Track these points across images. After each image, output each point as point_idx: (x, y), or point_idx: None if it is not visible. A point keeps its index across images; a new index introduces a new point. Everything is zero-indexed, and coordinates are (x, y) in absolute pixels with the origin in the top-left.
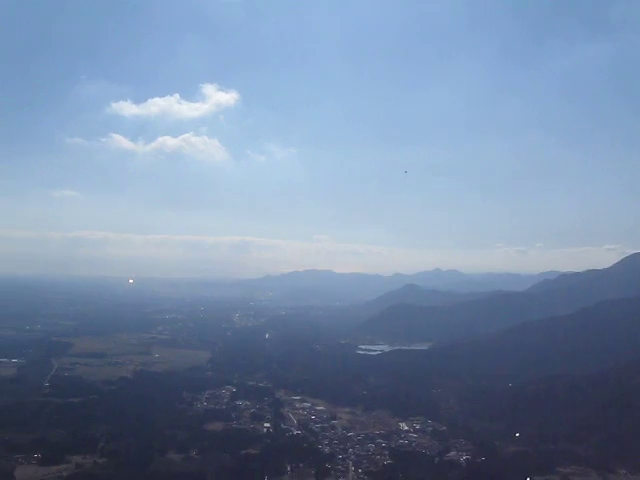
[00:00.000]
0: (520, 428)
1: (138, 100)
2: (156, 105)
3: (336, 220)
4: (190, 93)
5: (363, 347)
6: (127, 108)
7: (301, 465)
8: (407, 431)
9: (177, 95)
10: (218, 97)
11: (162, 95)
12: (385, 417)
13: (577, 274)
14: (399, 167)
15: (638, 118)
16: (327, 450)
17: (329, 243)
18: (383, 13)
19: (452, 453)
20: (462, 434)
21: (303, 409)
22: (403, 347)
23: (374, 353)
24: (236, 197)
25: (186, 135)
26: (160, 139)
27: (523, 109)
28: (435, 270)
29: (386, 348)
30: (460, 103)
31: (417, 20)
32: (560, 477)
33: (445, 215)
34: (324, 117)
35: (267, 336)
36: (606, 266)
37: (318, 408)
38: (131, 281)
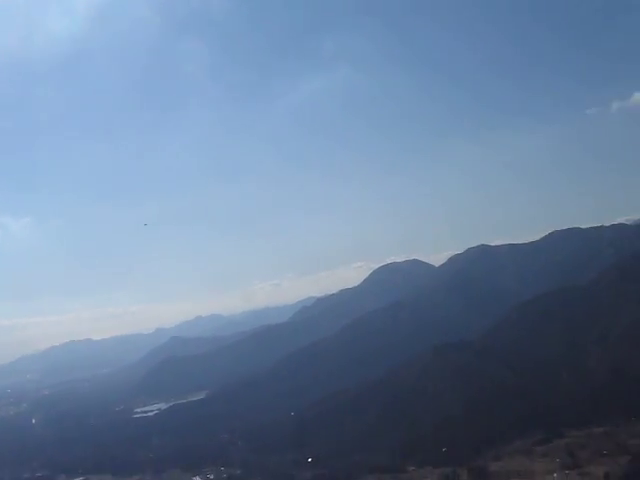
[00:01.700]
0: (312, 452)
1: None
2: None
3: (86, 285)
4: None
5: (139, 410)
6: None
7: None
8: None
9: None
10: None
11: None
12: (177, 475)
13: (332, 295)
14: (138, 221)
15: (358, 141)
16: None
17: (82, 311)
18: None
19: None
20: (257, 473)
21: None
22: (180, 401)
23: (152, 414)
24: None
25: None
26: None
27: (256, 148)
28: (196, 318)
29: (163, 406)
30: (193, 151)
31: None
32: None
33: (195, 262)
34: (55, 183)
35: (34, 421)
36: (357, 283)
37: None
38: None
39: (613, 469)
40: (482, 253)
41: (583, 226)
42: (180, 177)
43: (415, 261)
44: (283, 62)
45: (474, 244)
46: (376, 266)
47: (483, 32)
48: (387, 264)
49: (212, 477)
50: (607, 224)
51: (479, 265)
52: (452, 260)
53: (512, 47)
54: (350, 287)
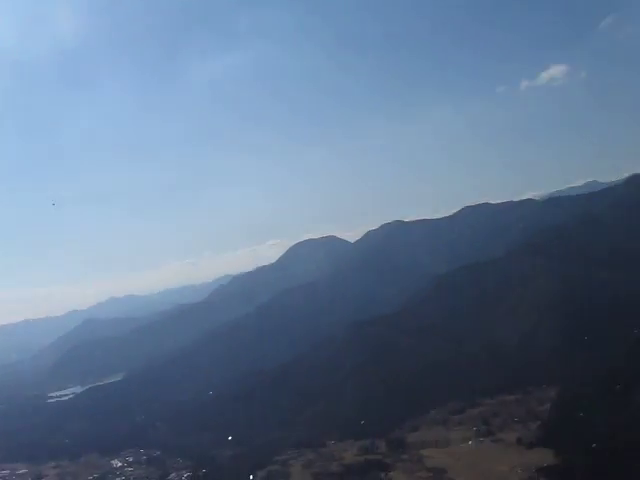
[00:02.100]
0: (232, 430)
1: None
2: None
3: None
4: None
5: (54, 395)
6: None
7: None
8: (121, 467)
9: None
10: None
11: None
12: (95, 460)
13: (249, 273)
14: (46, 201)
15: (272, 116)
16: None
17: None
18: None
19: (172, 475)
20: (177, 454)
21: (3, 478)
22: (96, 384)
23: (67, 398)
24: None
25: None
26: None
27: (169, 125)
28: (111, 299)
29: (78, 390)
30: (106, 127)
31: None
32: (280, 464)
33: (108, 242)
34: None
35: None
36: (273, 261)
37: (20, 472)
38: None
39: (524, 434)
40: (397, 229)
41: (493, 201)
42: (90, 155)
43: (331, 237)
44: (196, 37)
45: (389, 220)
46: (292, 243)
47: (398, 7)
48: (303, 241)
49: (131, 460)
50: (516, 199)
51: (394, 241)
52: (368, 236)
53: (428, 23)
54: (267, 264)
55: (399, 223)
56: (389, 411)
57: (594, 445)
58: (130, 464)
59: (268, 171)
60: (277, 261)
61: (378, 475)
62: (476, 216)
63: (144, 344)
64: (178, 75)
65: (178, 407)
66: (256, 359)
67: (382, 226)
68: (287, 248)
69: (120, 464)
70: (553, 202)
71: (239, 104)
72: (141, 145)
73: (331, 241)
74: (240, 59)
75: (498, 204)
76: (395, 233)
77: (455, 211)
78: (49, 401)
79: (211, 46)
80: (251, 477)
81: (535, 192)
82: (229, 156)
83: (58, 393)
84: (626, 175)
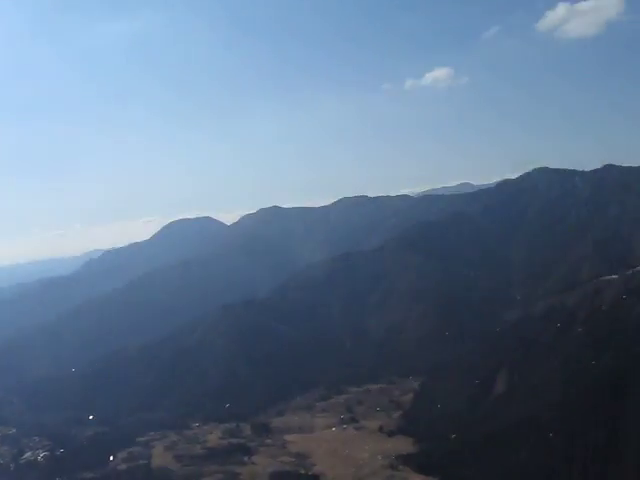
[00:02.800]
0: (94, 409)
1: None
2: None
3: None
4: None
5: None
6: None
7: None
8: None
9: None
10: None
11: None
12: None
13: (121, 249)
14: None
15: (155, 92)
16: None
17: None
18: None
19: (27, 454)
20: (34, 432)
21: None
22: None
23: None
24: None
25: None
26: None
27: (43, 89)
28: None
29: None
30: None
31: None
32: (142, 445)
33: None
34: None
35: None
36: (146, 237)
37: None
38: None
39: (386, 422)
40: (274, 214)
41: (370, 195)
42: None
43: (207, 219)
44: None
45: (267, 205)
46: (167, 221)
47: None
48: (178, 220)
49: None
50: (393, 194)
51: (271, 226)
52: (244, 219)
53: (323, 14)
54: (139, 241)
55: (276, 209)
56: (255, 395)
57: (453, 436)
58: None
59: (145, 148)
60: (150, 238)
61: (241, 459)
62: (353, 208)
63: (5, 317)
64: (61, 40)
65: (37, 384)
66: (123, 337)
67: (259, 211)
68: (161, 226)
69: None
70: (427, 199)
71: (119, 79)
72: (12, 108)
73: (207, 222)
74: (120, 28)
75: (375, 197)
76: (272, 219)
77: (333, 201)
78: None
79: (98, 13)
80: (111, 457)
81: (411, 188)
82: (105, 129)
83: None
84: (497, 180)
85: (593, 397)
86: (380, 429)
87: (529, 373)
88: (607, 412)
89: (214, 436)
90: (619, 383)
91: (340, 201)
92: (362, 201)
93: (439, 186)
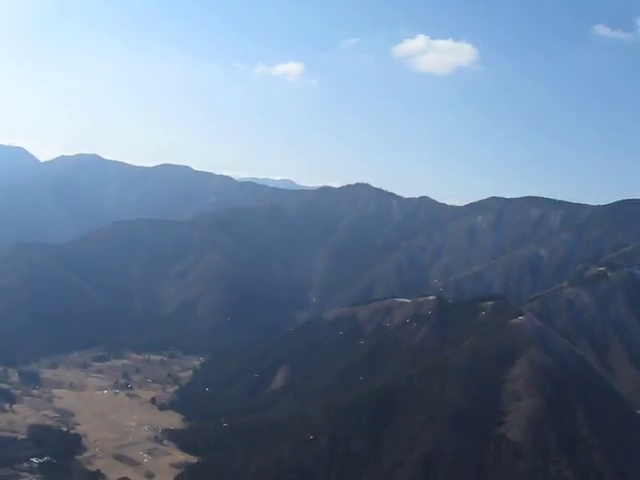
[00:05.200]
0: None
1: None
2: None
3: None
4: None
5: None
6: None
7: None
8: None
9: None
10: None
11: None
12: None
13: None
14: None
15: None
16: None
17: None
18: None
19: None
20: None
21: None
22: None
23: None
24: None
25: None
26: None
27: None
28: None
29: None
30: None
31: None
32: None
33: None
34: None
35: None
36: None
37: None
38: None
39: (160, 395)
40: (92, 163)
41: (196, 168)
42: None
43: (20, 149)
44: None
45: (88, 152)
46: None
47: None
48: None
49: None
50: (217, 173)
51: (85, 173)
52: (60, 159)
53: None
54: None
55: (96, 158)
56: (32, 344)
57: (225, 424)
58: None
59: None
60: None
61: (2, 405)
62: (175, 176)
63: None
64: None
65: None
66: None
67: (78, 155)
68: None
69: None
70: (249, 187)
71: None
72: None
73: (19, 153)
74: None
75: (199, 171)
76: (90, 167)
77: (156, 164)
78: None
79: None
80: None
81: (235, 172)
82: None
83: None
84: (320, 185)
85: (362, 406)
86: (152, 400)
87: (308, 373)
88: (372, 422)
89: None
90: (388, 399)
91: (163, 166)
92: (185, 172)
93: (262, 177)
